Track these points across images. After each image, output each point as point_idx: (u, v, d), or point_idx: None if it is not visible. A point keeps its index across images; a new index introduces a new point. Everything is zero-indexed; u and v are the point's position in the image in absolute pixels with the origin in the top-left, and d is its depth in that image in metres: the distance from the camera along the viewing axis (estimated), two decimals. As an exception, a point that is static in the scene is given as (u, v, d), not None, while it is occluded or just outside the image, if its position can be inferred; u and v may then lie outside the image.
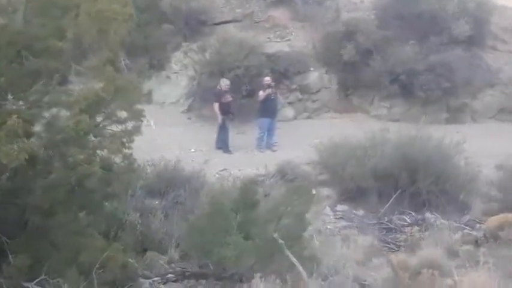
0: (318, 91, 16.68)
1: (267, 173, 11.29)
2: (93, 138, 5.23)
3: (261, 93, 14.04)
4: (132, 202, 6.95)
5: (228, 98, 14.07)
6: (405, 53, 16.14)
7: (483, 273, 5.31)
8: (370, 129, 12.15)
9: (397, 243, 7.67)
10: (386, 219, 9.11)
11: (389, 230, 8.72)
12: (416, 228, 7.73)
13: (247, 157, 13.17)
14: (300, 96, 16.45)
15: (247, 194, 5.56)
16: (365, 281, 5.57)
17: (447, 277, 5.48)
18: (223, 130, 13.99)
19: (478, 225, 8.21)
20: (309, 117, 16.46)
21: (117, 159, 5.54)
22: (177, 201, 7.71)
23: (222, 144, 13.92)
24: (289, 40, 17.22)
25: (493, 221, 7.16)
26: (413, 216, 9.38)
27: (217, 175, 11.43)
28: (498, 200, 10.17)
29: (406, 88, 16.12)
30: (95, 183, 5.20)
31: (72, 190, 5.15)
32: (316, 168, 11.84)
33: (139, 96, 5.47)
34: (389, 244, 7.51)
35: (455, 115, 16.86)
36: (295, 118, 16.37)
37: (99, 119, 5.25)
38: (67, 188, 5.17)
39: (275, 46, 16.77)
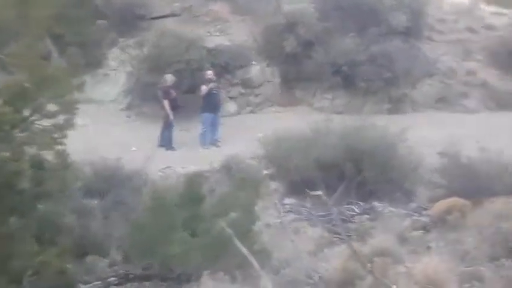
0: (260, 85, 16.50)
1: (212, 169, 10.99)
2: (20, 134, 4.77)
3: (204, 88, 13.70)
4: (69, 203, 6.49)
5: (173, 93, 13.70)
6: (346, 45, 16.18)
7: (434, 258, 5.22)
8: (314, 121, 12.08)
9: (348, 233, 7.53)
10: (335, 210, 8.97)
11: (341, 220, 8.61)
12: (366, 217, 7.59)
13: (191, 154, 12.81)
14: (243, 91, 16.22)
15: (192, 188, 5.24)
16: (318, 273, 5.39)
17: (399, 264, 5.36)
18: (169, 127, 13.51)
19: (424, 211, 8.19)
20: (252, 112, 16.26)
21: (49, 156, 5.10)
22: (117, 201, 7.29)
23: (166, 142, 13.45)
24: (229, 34, 16.95)
25: (441, 205, 7.15)
26: (361, 206, 9.32)
27: (160, 173, 11.03)
28: (443, 187, 10.25)
29: (348, 79, 16.18)
30: (24, 183, 4.75)
31: (-1, 190, 4.70)
32: (261, 162, 11.63)
33: (71, 87, 5.05)
34: (339, 234, 7.36)
35: (396, 105, 17.05)
36: (238, 113, 16.12)
37: (26, 112, 4.80)
38: (-8, 188, 4.71)
39: (215, 40, 16.45)
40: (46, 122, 4.92)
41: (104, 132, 14.07)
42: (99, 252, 6.18)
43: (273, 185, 10.90)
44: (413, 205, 8.87)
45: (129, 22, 16.46)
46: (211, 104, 13.76)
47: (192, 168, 11.52)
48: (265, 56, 16.79)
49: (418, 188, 10.63)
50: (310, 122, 12.00)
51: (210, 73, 14.02)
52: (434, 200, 9.82)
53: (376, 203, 8.68)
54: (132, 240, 5.43)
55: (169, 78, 13.71)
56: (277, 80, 16.74)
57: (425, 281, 4.49)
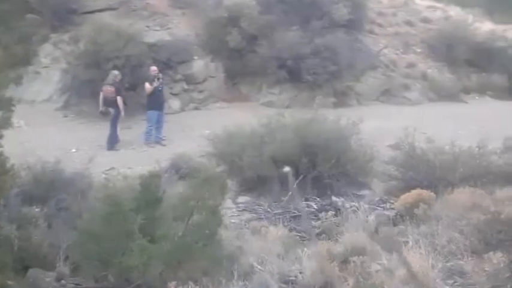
0: (204, 80, 15.98)
1: (160, 169, 10.35)
2: None
3: (148, 86, 13.01)
4: (5, 212, 5.78)
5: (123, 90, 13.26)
6: (290, 38, 15.92)
7: (413, 254, 4.93)
8: (262, 116, 11.70)
9: (313, 231, 7.17)
10: (292, 207, 8.60)
11: (296, 218, 8.23)
12: (330, 213, 7.23)
13: (136, 154, 12.12)
14: (186, 87, 15.66)
15: (148, 190, 4.70)
16: (292, 276, 4.98)
17: (375, 261, 5.04)
18: (115, 125, 12.90)
19: (385, 204, 7.94)
20: (196, 108, 15.70)
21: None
22: (60, 207, 6.59)
23: (112, 141, 12.75)
24: (170, 28, 16.33)
25: (406, 198, 6.88)
26: (318, 201, 8.97)
27: (104, 175, 10.31)
28: (397, 179, 10.11)
29: (294, 73, 15.92)
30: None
31: None
32: (211, 160, 11.10)
33: (7, 79, 4.40)
34: (304, 233, 6.98)
35: (341, 99, 16.95)
36: (182, 110, 15.55)
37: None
38: None
39: (155, 35, 15.80)
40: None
41: (40, 133, 13.15)
42: (43, 265, 5.51)
43: (225, 183, 10.40)
44: (374, 199, 8.59)
45: (62, 16, 15.53)
46: (156, 102, 13.14)
47: (138, 168, 10.84)
48: (209, 51, 16.30)
49: (373, 180, 10.45)
50: (260, 117, 11.62)
51: (154, 69, 13.38)
52: (390, 192, 9.66)
53: (334, 198, 8.34)
54: (83, 250, 4.83)
55: (118, 74, 13.05)
56: (221, 75, 16.28)
57: (409, 278, 4.17)
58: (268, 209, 9.03)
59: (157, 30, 15.97)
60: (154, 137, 13.05)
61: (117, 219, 4.45)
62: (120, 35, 13.94)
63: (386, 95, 17.85)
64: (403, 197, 6.94)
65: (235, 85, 16.60)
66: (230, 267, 4.67)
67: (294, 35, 16.13)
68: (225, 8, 16.11)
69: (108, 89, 12.83)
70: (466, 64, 19.78)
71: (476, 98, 19.13)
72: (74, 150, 11.99)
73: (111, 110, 12.88)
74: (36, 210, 6.27)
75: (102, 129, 13.63)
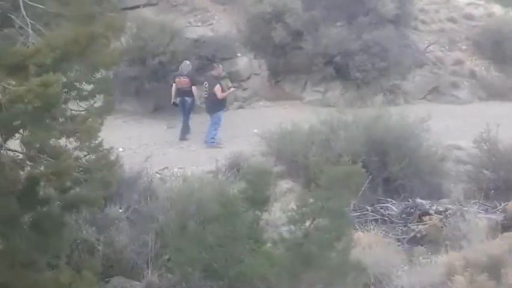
0: (248, 78, 15.34)
1: (217, 169, 9.75)
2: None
3: (220, 89, 12.44)
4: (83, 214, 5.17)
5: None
6: (337, 34, 15.22)
7: None
8: (309, 114, 11.10)
9: (409, 237, 6.44)
10: (369, 209, 7.92)
11: (378, 221, 7.55)
12: (436, 216, 6.52)
13: (185, 153, 11.52)
14: (230, 85, 14.98)
15: (257, 189, 4.07)
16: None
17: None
18: (189, 115, 12.94)
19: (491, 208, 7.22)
20: (240, 107, 15.06)
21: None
22: (134, 209, 5.98)
23: (185, 131, 12.76)
24: (211, 24, 15.73)
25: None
26: (394, 203, 8.28)
27: (158, 175, 9.71)
28: (474, 180, 9.38)
29: (341, 70, 15.21)
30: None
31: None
32: (269, 159, 10.46)
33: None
34: (404, 240, 6.27)
35: (389, 97, 16.21)
36: (226, 109, 14.87)
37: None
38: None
39: (197, 31, 15.21)
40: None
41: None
42: (127, 273, 4.89)
43: (287, 184, 9.75)
44: (457, 200, 7.88)
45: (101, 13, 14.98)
46: (225, 102, 12.77)
47: (191, 168, 10.24)
48: (251, 48, 15.66)
49: (448, 182, 9.74)
50: (308, 115, 11.03)
51: (221, 67, 12.86)
52: (469, 195, 8.93)
53: (420, 200, 7.62)
54: (189, 259, 4.18)
55: (189, 64, 12.86)
56: (265, 72, 15.64)
57: None
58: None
59: (198, 26, 15.39)
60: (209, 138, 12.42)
61: (234, 221, 3.82)
62: (164, 30, 13.37)
63: (434, 93, 17.07)
64: (514, 201, 6.20)
65: (278, 83, 15.94)
66: (356, 278, 4.02)
67: (340, 31, 15.43)
68: (269, 3, 15.44)
69: (182, 80, 12.60)
70: (513, 62, 18.93)
71: (528, 96, 18.25)
72: (120, 149, 11.37)
73: (188, 100, 12.65)
74: (120, 210, 5.65)
75: (146, 128, 13.08)
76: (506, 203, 7.06)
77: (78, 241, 4.74)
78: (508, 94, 17.88)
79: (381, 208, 7.95)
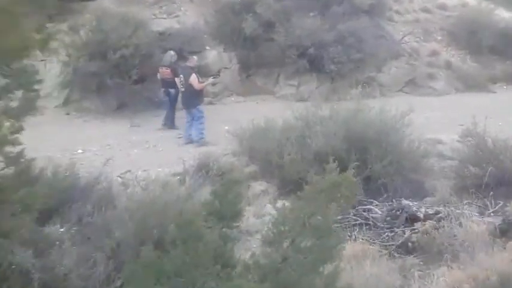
0: (217, 72, 14.52)
1: (185, 171, 8.97)
2: None
3: (196, 80, 11.47)
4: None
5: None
6: (310, 24, 14.54)
7: None
8: (281, 109, 10.38)
9: (407, 246, 5.77)
10: (351, 212, 7.24)
11: (361, 226, 6.87)
12: (429, 223, 5.86)
13: (152, 154, 10.68)
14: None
15: (225, 202, 3.34)
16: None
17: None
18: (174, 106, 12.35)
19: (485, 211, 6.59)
20: (210, 103, 14.25)
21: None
22: (84, 222, 5.17)
23: (172, 120, 12.27)
24: (177, 16, 14.89)
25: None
26: (377, 204, 7.61)
27: (119, 179, 8.88)
28: (458, 177, 8.79)
29: (315, 62, 14.54)
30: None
31: None
32: (241, 159, 9.73)
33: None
34: (389, 248, 5.59)
35: (364, 90, 15.58)
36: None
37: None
38: None
39: (163, 23, 14.36)
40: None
41: (40, 133, 11.65)
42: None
43: (260, 185, 9.02)
44: (444, 201, 7.24)
45: (58, 5, 13.98)
46: (203, 94, 11.89)
47: (157, 170, 9.44)
48: (221, 40, 14.88)
49: (429, 178, 9.12)
50: (279, 110, 10.31)
51: (196, 58, 12.03)
52: (456, 193, 8.32)
53: (406, 202, 6.96)
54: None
55: (174, 54, 12.21)
56: (235, 66, 14.87)
57: None
58: (320, 215, 7.65)
59: (164, 18, 14.54)
60: (187, 136, 11.53)
61: (194, 245, 3.08)
62: (126, 22, 12.48)
63: (411, 85, 16.53)
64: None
65: (250, 77, 15.20)
66: (345, 307, 3.32)
67: (313, 21, 14.76)
68: (237, -8, 14.69)
69: (164, 71, 12.03)
70: (489, 52, 18.52)
71: (504, 87, 17.88)
72: (80, 151, 10.54)
73: (171, 91, 12.04)
74: (61, 230, 4.82)
75: (109, 127, 12.20)
76: (500, 203, 6.46)
77: (14, 266, 3.93)
78: (484, 85, 17.48)
79: (364, 211, 7.27)
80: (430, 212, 6.21)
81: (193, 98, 11.54)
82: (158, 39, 13.34)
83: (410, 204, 6.74)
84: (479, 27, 18.16)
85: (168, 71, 12.01)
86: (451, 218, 5.63)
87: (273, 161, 8.92)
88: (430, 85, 16.65)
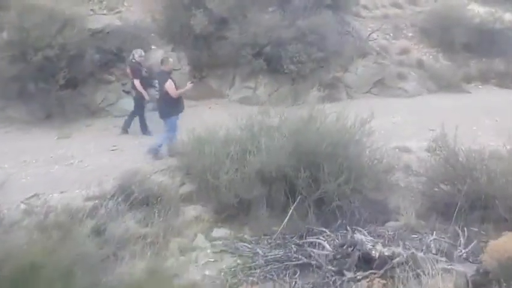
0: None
1: (103, 194, 7.49)
2: None
3: (171, 85, 9.86)
4: None
5: (143, 71, 11.02)
6: (267, 20, 13.14)
7: None
8: (238, 115, 8.92)
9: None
10: (294, 248, 5.85)
11: (304, 266, 5.48)
12: (377, 281, 4.48)
13: (74, 170, 9.15)
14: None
15: None
16: None
17: None
18: (141, 110, 11.07)
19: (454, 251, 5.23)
20: (154, 109, 12.75)
21: None
22: None
23: (144, 126, 11.10)
24: (120, 12, 13.37)
25: (503, 246, 4.18)
26: (329, 236, 6.24)
27: (23, 205, 7.38)
28: (426, 196, 7.47)
29: (273, 62, 13.14)
30: None
31: None
32: (175, 177, 8.28)
33: None
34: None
35: (329, 92, 14.25)
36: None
37: None
38: None
39: (102, 20, 12.81)
40: None
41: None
42: None
43: (194, 210, 7.58)
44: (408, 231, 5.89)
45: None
46: (181, 103, 10.13)
47: (74, 193, 7.94)
48: (169, 39, 13.39)
49: (393, 196, 7.80)
50: (235, 116, 8.84)
51: (171, 61, 10.51)
52: (421, 216, 7.01)
53: (358, 236, 5.57)
54: None
55: (137, 53, 11.00)
56: (185, 67, 13.40)
57: None
58: (259, 250, 6.25)
59: (104, 14, 13.00)
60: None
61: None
62: (53, 19, 10.90)
63: (380, 86, 15.21)
64: (494, 244, 4.23)
65: (203, 79, 13.74)
66: None
67: (271, 17, 13.37)
68: (187, -14, 13.22)
69: (127, 71, 11.12)
70: (463, 49, 17.33)
71: (480, 87, 16.69)
72: (-11, 168, 8.98)
73: (133, 93, 11.02)
74: None
75: (33, 139, 10.64)
76: (474, 230, 5.12)
77: None
78: (458, 85, 16.26)
79: (310, 245, 5.87)
80: (387, 254, 4.84)
81: (170, 106, 9.90)
82: (93, 37, 11.80)
83: (364, 239, 5.36)
84: (453, 23, 16.96)
85: (128, 70, 10.98)
86: (409, 266, 4.27)
87: (209, 181, 7.48)
88: (400, 86, 15.36)
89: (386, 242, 5.65)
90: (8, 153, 9.73)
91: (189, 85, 10.29)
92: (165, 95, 9.91)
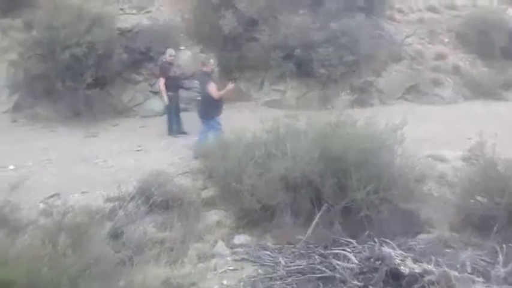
0: (192, 75, 12.86)
1: (124, 195, 7.30)
2: None
3: (213, 87, 9.71)
4: None
5: (172, 71, 10.98)
6: (298, 22, 12.84)
7: None
8: (265, 118, 8.63)
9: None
10: (318, 259, 5.54)
11: (328, 280, 5.17)
12: None
13: (98, 170, 9.02)
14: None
15: None
16: None
17: None
18: (168, 113, 11.03)
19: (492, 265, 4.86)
20: (183, 110, 12.59)
21: None
22: None
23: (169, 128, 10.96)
24: (149, 12, 13.28)
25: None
26: (356, 248, 5.90)
27: (42, 204, 7.25)
28: (461, 209, 7.06)
29: (303, 66, 12.83)
30: None
31: None
32: (198, 180, 8.06)
33: None
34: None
35: (360, 97, 13.88)
36: (165, 112, 12.42)
37: None
38: None
39: (131, 19, 12.74)
40: None
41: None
42: None
43: (216, 215, 7.34)
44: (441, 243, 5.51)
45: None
46: (223, 103, 10.05)
47: (95, 193, 7.78)
48: (198, 39, 13.23)
49: (425, 207, 7.41)
50: (262, 120, 8.56)
51: (212, 62, 10.48)
52: (455, 228, 6.62)
53: (386, 249, 5.22)
54: None
55: (168, 52, 10.98)
56: (214, 69, 13.17)
57: None
58: (281, 259, 5.96)
59: (133, 13, 12.92)
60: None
61: None
62: (82, 17, 10.84)
63: (414, 92, 14.77)
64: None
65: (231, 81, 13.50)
66: None
67: (302, 19, 13.07)
68: (218, -14, 13.04)
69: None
70: (502, 55, 16.70)
71: (519, 94, 16.04)
72: (11, 167, 8.90)
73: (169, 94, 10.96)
74: None
75: (59, 138, 10.58)
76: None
77: None
78: (496, 92, 15.66)
79: (335, 256, 5.56)
80: (417, 270, 4.49)
81: (211, 108, 9.79)
82: (122, 37, 11.71)
83: (393, 254, 5.02)
84: (491, 28, 16.38)
85: (154, 70, 11.05)
86: (441, 286, 3.92)
87: (231, 185, 7.22)
88: (435, 92, 14.89)
89: (416, 256, 5.29)
90: (33, 151, 9.67)
91: (230, 86, 10.11)
92: (206, 97, 9.73)
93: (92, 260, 5.24)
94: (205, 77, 9.88)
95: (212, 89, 9.71)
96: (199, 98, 10.02)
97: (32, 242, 4.76)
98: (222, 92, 9.93)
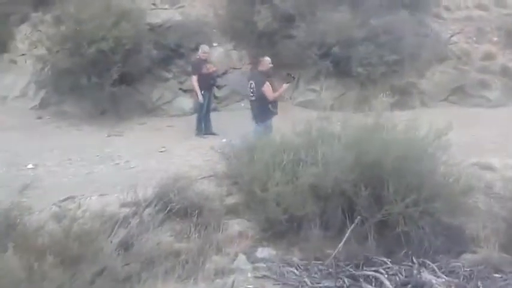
0: (224, 73, 12.39)
1: (141, 200, 6.81)
2: None
3: (269, 87, 9.25)
4: None
5: (206, 68, 10.49)
6: (337, 18, 12.16)
7: None
8: (298, 120, 8.03)
9: None
10: (347, 281, 4.91)
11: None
12: None
13: (119, 171, 8.59)
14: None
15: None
16: None
17: None
18: (199, 112, 10.61)
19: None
20: (214, 109, 12.07)
21: None
22: None
23: (200, 129, 10.61)
24: (182, 7, 12.84)
25: None
26: (389, 268, 5.24)
27: (55, 207, 6.84)
28: (507, 222, 6.31)
29: (341, 64, 12.15)
30: None
31: None
32: (222, 185, 7.50)
33: None
34: None
35: (401, 98, 13.08)
36: (195, 111, 11.96)
37: None
38: None
39: (162, 14, 12.32)
40: None
41: (2, 140, 9.82)
42: None
43: (238, 224, 6.76)
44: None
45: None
46: (277, 104, 9.53)
47: (113, 197, 7.32)
48: (231, 36, 12.71)
49: (470, 221, 6.68)
50: (295, 121, 7.96)
51: (269, 60, 9.76)
52: (508, 244, 5.87)
53: (427, 276, 4.52)
54: None
55: (201, 49, 10.61)
56: (246, 66, 12.67)
57: None
58: (306, 279, 5.35)
59: (165, 8, 12.49)
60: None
61: None
62: (110, 11, 10.45)
63: (459, 94, 13.87)
64: None
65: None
66: None
67: (341, 15, 12.38)
68: (253, -20, 12.47)
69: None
70: (556, 57, 15.65)
71: None
72: (30, 166, 8.56)
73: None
74: None
75: (83, 136, 10.23)
76: None
77: None
78: (549, 96, 14.62)
79: (366, 279, 4.92)
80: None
81: (266, 109, 9.32)
82: (152, 32, 11.28)
83: (435, 281, 4.35)
84: (545, 27, 15.37)
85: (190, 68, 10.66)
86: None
87: (256, 192, 6.64)
88: (482, 94, 13.95)
89: (461, 280, 4.61)
90: (55, 150, 9.33)
91: (285, 86, 9.58)
92: (261, 98, 9.24)
93: (96, 273, 4.78)
94: (261, 76, 9.36)
95: (267, 89, 9.20)
96: (253, 99, 9.48)
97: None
98: (277, 94, 9.43)
